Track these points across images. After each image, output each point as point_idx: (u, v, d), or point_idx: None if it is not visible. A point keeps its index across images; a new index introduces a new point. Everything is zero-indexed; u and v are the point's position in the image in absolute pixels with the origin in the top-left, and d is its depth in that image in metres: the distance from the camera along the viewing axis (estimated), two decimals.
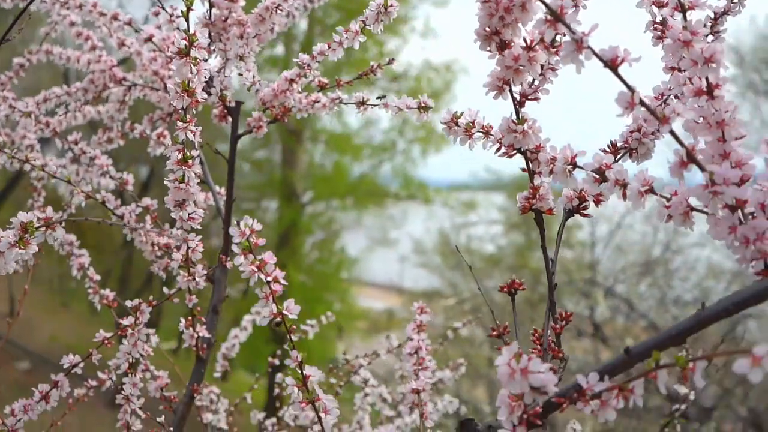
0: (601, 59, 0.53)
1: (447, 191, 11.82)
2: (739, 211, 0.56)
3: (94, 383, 1.13)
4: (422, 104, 0.88)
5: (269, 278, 0.66)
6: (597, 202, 0.71)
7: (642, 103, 0.53)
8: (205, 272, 0.94)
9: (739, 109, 0.59)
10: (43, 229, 0.68)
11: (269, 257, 0.66)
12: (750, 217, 0.55)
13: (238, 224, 0.64)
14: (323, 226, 12.54)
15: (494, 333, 0.55)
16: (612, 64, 0.54)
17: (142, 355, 1.02)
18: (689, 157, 0.54)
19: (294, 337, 0.70)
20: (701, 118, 0.57)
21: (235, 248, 0.66)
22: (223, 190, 1.15)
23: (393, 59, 1.06)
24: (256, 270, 0.65)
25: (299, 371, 0.69)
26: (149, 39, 1.01)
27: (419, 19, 10.30)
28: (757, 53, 8.87)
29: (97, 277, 1.15)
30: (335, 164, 12.19)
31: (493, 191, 11.35)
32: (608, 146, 0.73)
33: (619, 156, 0.73)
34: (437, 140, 11.94)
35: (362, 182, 12.13)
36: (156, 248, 1.05)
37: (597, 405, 0.54)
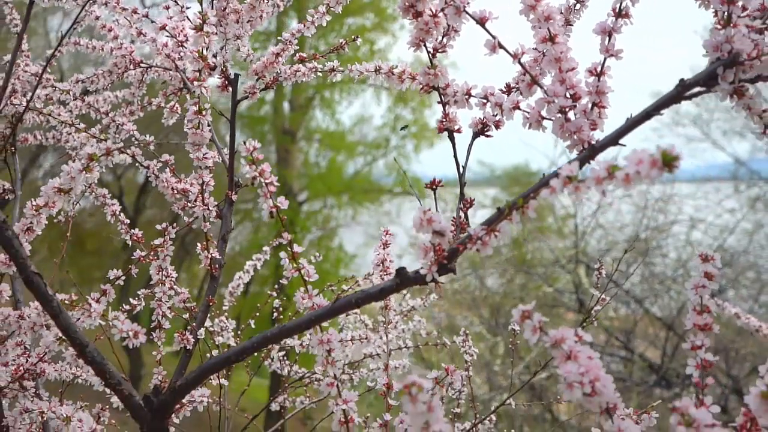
0: (474, 18, 0.82)
1: (441, 186, 12.10)
2: (573, 115, 0.85)
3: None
4: (377, 68, 1.16)
5: (267, 181, 0.94)
6: (497, 126, 1.00)
7: (500, 45, 0.82)
8: (216, 203, 1.23)
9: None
10: (104, 156, 0.97)
11: (267, 167, 0.95)
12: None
13: (245, 142, 0.93)
14: (320, 223, 12.84)
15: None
16: (481, 21, 0.82)
17: (167, 276, 1.30)
18: (533, 81, 0.83)
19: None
20: (545, 57, 0.86)
21: (242, 160, 0.94)
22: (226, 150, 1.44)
23: (357, 36, 1.35)
24: (258, 175, 0.94)
25: (290, 249, 0.97)
26: (163, 27, 1.29)
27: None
28: None
29: (127, 221, 1.43)
30: (330, 162, 12.49)
31: (487, 186, 11.68)
32: (505, 86, 1.02)
33: (512, 93, 1.01)
34: (430, 136, 12.25)
35: (357, 179, 12.44)
36: (174, 192, 1.33)
37: (480, 245, 0.82)
